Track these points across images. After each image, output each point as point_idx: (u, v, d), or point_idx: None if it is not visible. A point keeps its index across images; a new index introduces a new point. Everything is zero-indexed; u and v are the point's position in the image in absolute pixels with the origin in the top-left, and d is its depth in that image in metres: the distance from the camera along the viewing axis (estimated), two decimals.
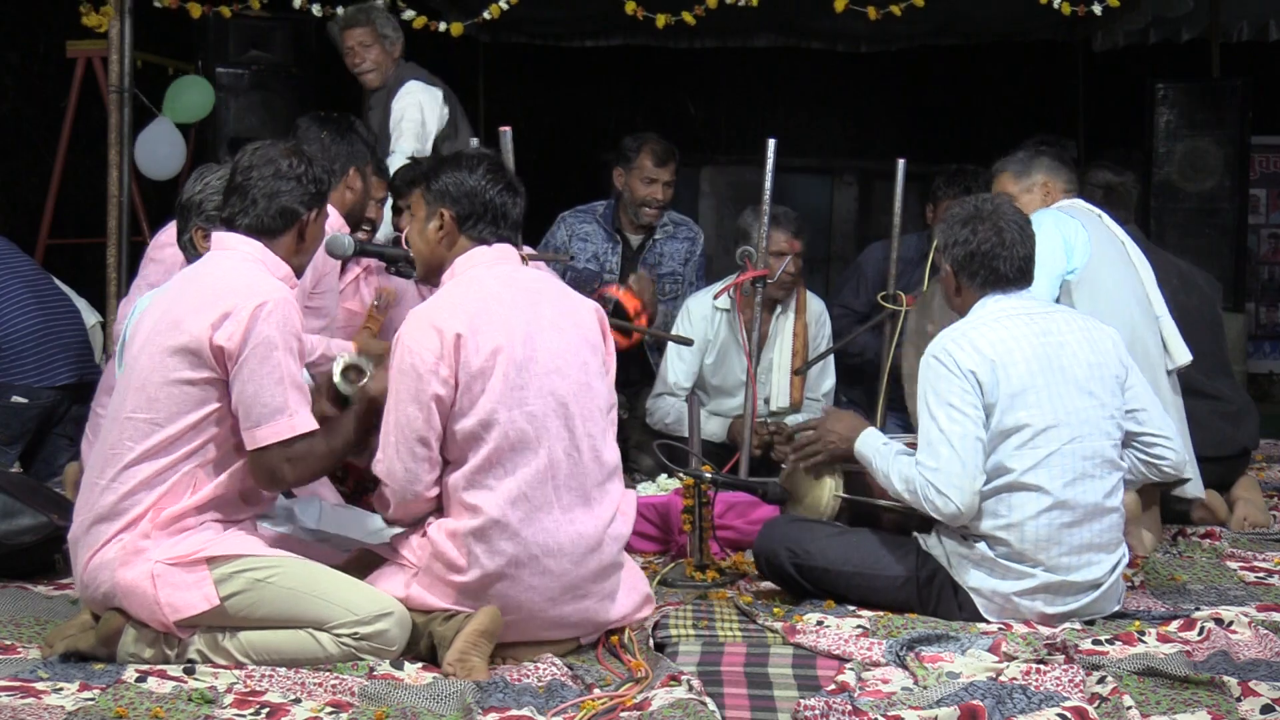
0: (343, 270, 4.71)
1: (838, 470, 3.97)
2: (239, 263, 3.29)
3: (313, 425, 3.21)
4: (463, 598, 3.25)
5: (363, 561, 3.45)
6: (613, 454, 3.40)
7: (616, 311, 5.01)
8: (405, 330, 3.29)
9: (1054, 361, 3.59)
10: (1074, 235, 4.43)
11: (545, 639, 3.32)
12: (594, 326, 3.45)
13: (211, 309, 3.15)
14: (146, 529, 3.14)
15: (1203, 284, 5.15)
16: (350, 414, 3.39)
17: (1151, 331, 4.51)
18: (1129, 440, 3.72)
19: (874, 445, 3.73)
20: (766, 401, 5.26)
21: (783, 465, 4.18)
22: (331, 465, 3.46)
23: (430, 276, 3.47)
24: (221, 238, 3.36)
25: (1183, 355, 4.56)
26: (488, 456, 3.23)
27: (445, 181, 3.39)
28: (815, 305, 5.47)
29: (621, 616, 3.41)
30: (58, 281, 5.41)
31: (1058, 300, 4.40)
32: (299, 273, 3.43)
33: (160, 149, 6.79)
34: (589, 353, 3.39)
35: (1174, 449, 3.75)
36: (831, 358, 5.45)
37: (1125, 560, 3.68)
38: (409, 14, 6.24)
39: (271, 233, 3.34)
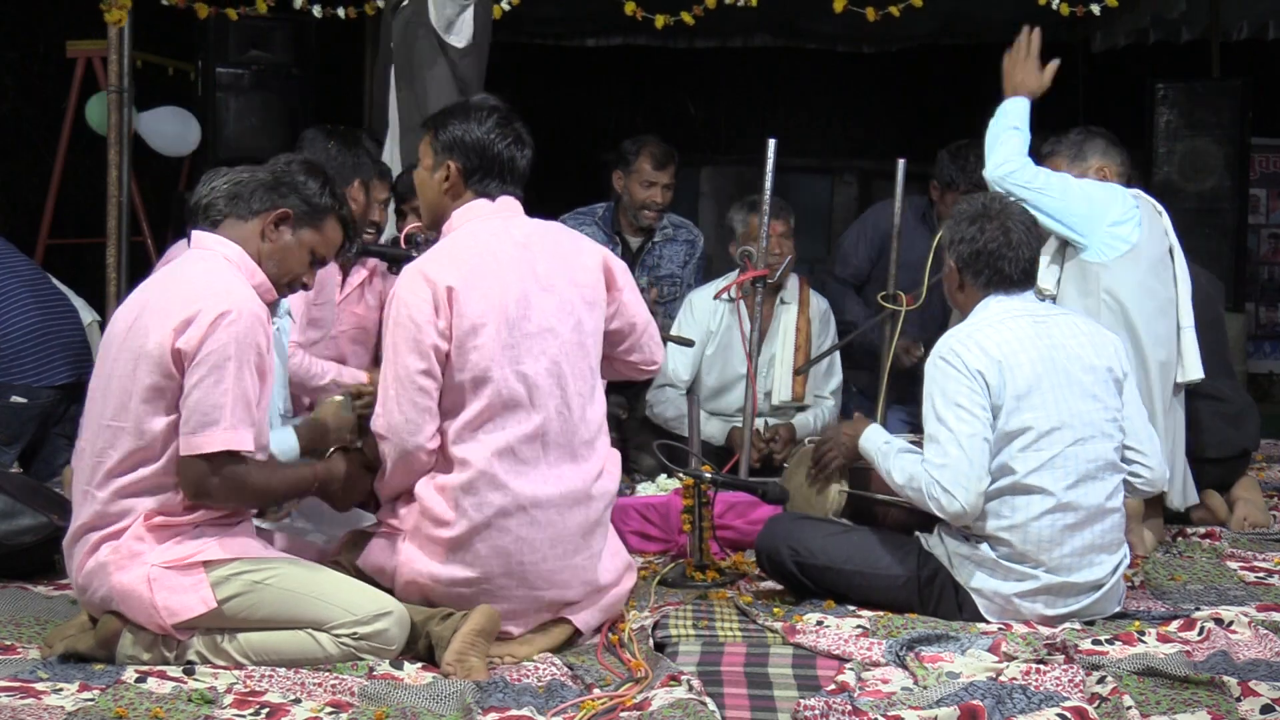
0: (348, 273, 4.71)
1: (844, 473, 3.98)
2: (212, 265, 3.22)
3: (249, 446, 3.12)
4: (452, 556, 3.26)
5: (352, 545, 3.45)
6: (599, 411, 3.41)
7: None
8: (400, 284, 3.28)
9: (1058, 364, 3.59)
10: (1127, 219, 4.38)
11: (540, 599, 3.32)
12: (593, 280, 3.42)
13: (176, 315, 3.09)
14: (140, 532, 3.12)
15: (1205, 283, 5.13)
16: (310, 466, 3.33)
17: (1167, 343, 4.45)
18: None
19: (877, 442, 3.74)
20: (768, 395, 5.26)
21: (784, 466, 4.18)
22: (268, 501, 3.41)
23: (435, 224, 3.48)
24: (201, 237, 3.30)
25: (1196, 372, 4.50)
26: (480, 412, 3.24)
27: (453, 132, 3.38)
28: (819, 302, 5.47)
29: (609, 583, 3.42)
30: (55, 281, 5.41)
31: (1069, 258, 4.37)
32: (276, 284, 3.32)
33: (166, 125, 6.77)
34: (584, 310, 3.38)
35: (1151, 466, 3.73)
36: (838, 353, 5.46)
37: (1126, 561, 3.68)
38: None
39: (241, 216, 3.27)
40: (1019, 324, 3.63)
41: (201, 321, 3.07)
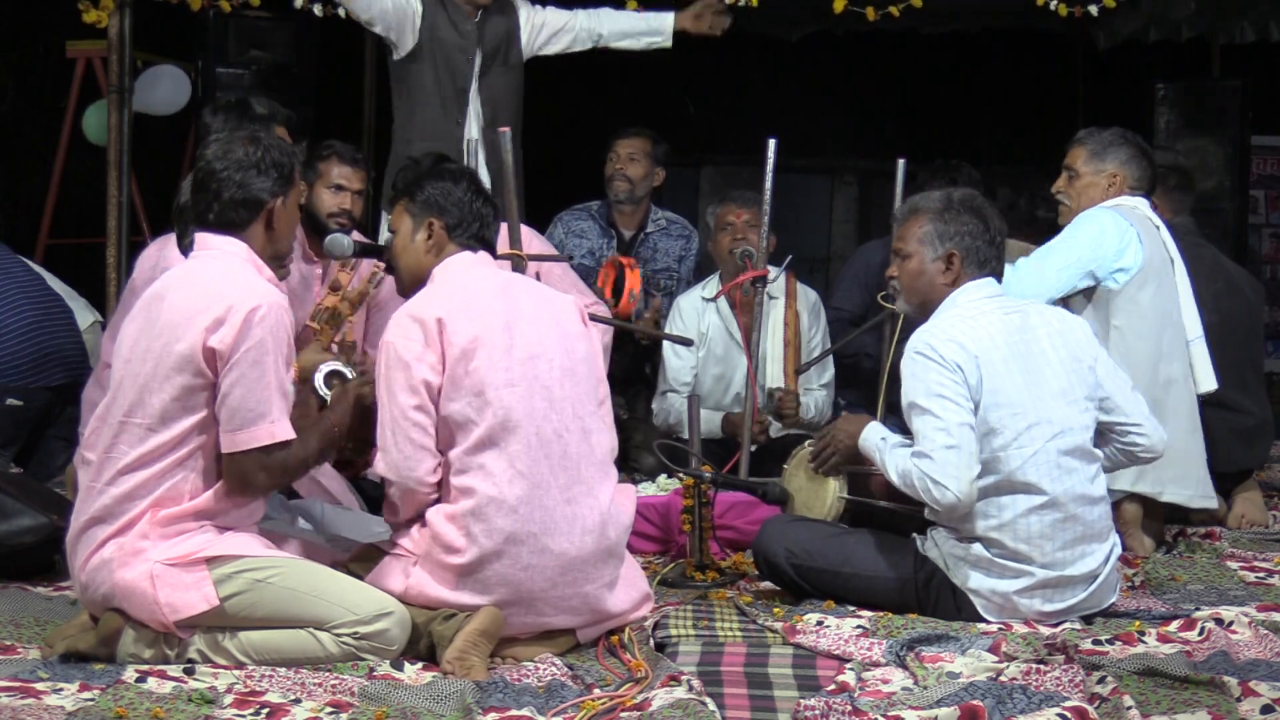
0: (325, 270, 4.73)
1: (841, 472, 3.97)
2: (227, 264, 3.25)
3: (291, 435, 3.19)
4: (462, 582, 3.27)
5: (365, 558, 3.46)
6: (606, 440, 3.45)
7: (617, 283, 5.04)
8: (389, 330, 3.35)
9: (1029, 360, 3.61)
10: (1128, 246, 4.39)
11: (546, 625, 3.33)
12: (573, 319, 3.51)
13: (205, 314, 3.12)
14: (145, 529, 3.13)
15: (1248, 291, 5.06)
16: (316, 426, 3.36)
17: (1179, 358, 4.45)
18: (1103, 430, 3.72)
19: (874, 439, 3.73)
20: (762, 388, 5.27)
21: (784, 466, 4.18)
22: (300, 476, 3.44)
23: (415, 286, 3.51)
24: (204, 238, 3.31)
25: (1208, 383, 4.50)
26: (479, 438, 3.27)
27: (431, 193, 3.49)
28: (807, 294, 5.47)
29: (621, 611, 3.42)
30: (50, 281, 5.40)
31: (1068, 301, 4.39)
32: (279, 258, 3.39)
33: (160, 90, 6.72)
34: (572, 339, 3.45)
35: (1146, 433, 3.75)
36: (829, 344, 5.46)
37: (1118, 549, 3.69)
38: None
39: (238, 225, 3.29)
40: (990, 319, 3.64)
41: (234, 320, 3.11)
